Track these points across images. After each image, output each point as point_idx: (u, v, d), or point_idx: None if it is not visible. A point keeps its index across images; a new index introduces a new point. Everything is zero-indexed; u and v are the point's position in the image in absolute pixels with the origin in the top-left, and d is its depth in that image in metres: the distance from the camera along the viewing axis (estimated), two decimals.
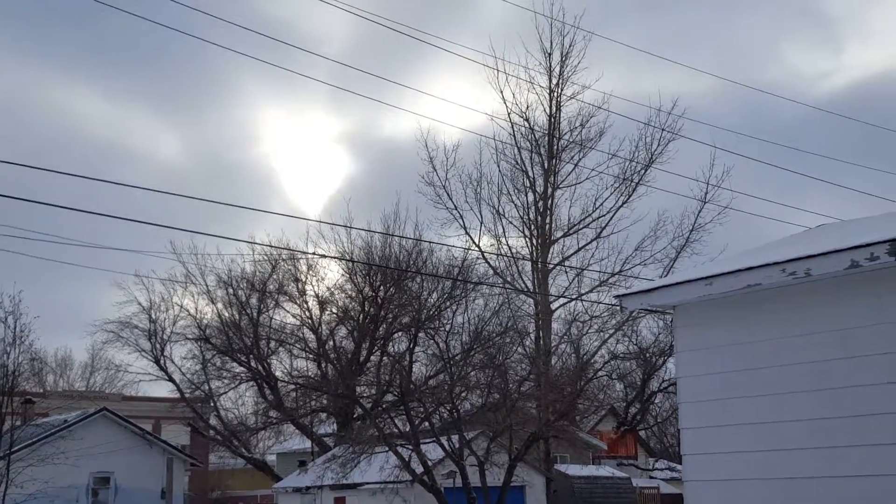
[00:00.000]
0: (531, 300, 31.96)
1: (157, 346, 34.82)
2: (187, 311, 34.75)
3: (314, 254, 32.22)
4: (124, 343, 35.09)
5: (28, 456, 26.63)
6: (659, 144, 30.92)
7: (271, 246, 32.61)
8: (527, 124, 31.36)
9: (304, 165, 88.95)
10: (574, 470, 34.24)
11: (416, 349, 29.83)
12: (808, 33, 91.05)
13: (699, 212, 30.84)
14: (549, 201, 31.59)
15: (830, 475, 7.42)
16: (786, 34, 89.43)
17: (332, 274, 43.63)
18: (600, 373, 32.31)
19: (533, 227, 31.72)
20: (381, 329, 33.17)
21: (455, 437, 25.13)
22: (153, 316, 34.72)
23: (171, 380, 35.46)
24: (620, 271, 31.34)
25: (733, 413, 8.04)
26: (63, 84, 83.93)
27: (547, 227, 31.55)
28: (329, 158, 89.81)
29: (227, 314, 33.89)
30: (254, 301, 33.71)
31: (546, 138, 31.49)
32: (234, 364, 34.40)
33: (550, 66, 31.37)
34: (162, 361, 35.13)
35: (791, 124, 74.23)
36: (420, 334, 30.41)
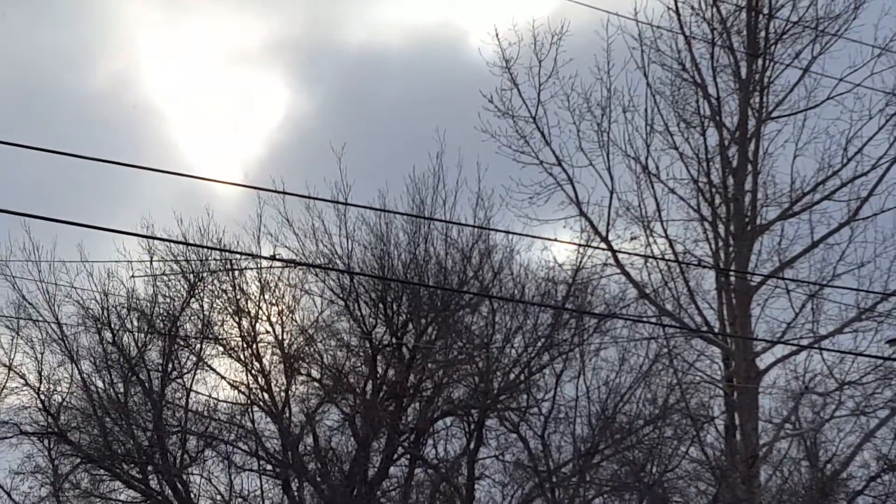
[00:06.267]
0: (716, 349, 15.92)
1: None
2: None
3: (273, 258, 15.87)
4: None
5: None
6: None
7: (174, 241, 16.08)
8: None
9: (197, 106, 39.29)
10: None
11: (482, 451, 16.25)
12: None
13: None
14: (753, 143, 15.60)
15: None
16: None
17: (306, 305, 19.75)
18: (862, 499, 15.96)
19: (717, 200, 15.70)
20: (408, 413, 16.89)
21: None
22: None
23: None
24: None
25: None
26: None
27: (747, 198, 15.51)
28: (258, 89, 36.63)
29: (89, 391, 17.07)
30: (153, 358, 17.05)
31: (745, 17, 15.67)
32: (118, 482, 17.53)
33: None
34: None
35: None
36: (489, 421, 16.23)
